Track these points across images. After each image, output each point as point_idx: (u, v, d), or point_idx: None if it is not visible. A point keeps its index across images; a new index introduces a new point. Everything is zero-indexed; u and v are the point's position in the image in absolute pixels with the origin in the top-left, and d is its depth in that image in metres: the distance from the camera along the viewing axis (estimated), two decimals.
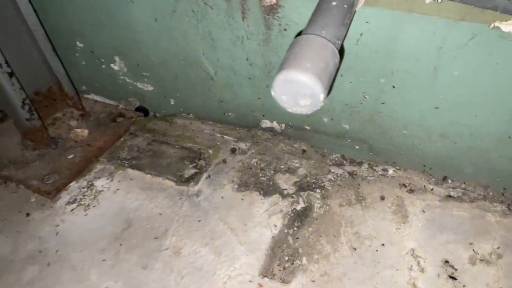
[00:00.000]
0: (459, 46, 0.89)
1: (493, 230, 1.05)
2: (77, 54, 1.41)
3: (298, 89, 0.58)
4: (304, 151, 1.29)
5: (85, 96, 1.54)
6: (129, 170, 1.25)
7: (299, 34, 0.90)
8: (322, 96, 0.59)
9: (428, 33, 0.89)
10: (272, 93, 0.61)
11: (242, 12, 1.08)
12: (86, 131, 1.36)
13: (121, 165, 1.27)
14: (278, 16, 1.04)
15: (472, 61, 0.91)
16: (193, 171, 1.24)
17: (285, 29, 1.06)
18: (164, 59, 1.28)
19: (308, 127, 1.26)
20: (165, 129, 1.39)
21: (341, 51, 1.01)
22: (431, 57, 0.94)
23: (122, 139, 1.36)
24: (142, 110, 1.46)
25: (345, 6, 0.69)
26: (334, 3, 0.69)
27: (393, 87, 1.05)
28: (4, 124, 1.42)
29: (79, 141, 1.33)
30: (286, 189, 1.17)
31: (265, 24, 1.08)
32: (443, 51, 0.91)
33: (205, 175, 1.22)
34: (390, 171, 1.22)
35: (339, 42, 0.65)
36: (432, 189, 1.15)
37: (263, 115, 1.30)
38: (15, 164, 1.26)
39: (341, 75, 1.08)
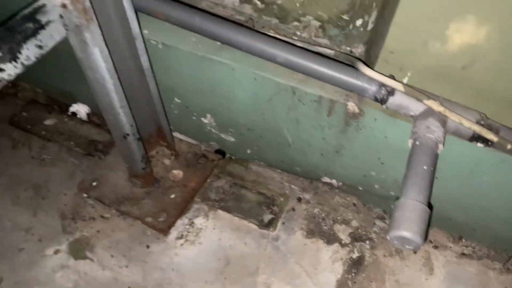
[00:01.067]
0: None
1: (492, 285, 1.46)
2: (172, 106, 1.70)
3: (408, 241, 0.94)
4: (354, 204, 1.66)
5: (172, 134, 1.85)
6: (220, 211, 1.60)
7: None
8: (421, 245, 0.95)
9: None
10: (388, 238, 0.97)
11: (329, 112, 1.40)
12: (181, 173, 1.68)
13: (212, 206, 1.61)
14: (357, 120, 1.37)
15: None
16: (270, 216, 1.60)
17: (360, 129, 1.39)
18: (251, 125, 1.59)
19: (361, 188, 1.62)
20: (242, 174, 1.73)
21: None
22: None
23: (208, 180, 1.70)
24: (221, 153, 1.79)
25: (432, 169, 1.04)
26: (425, 167, 1.03)
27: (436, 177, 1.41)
28: (107, 158, 1.72)
29: (176, 181, 1.66)
30: (343, 239, 1.55)
31: (345, 122, 1.40)
32: None
33: (280, 221, 1.58)
34: None
35: (429, 199, 1.00)
36: (450, 247, 1.55)
37: (325, 174, 1.65)
38: (128, 200, 1.59)
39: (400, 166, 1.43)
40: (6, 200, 1.59)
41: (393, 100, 1.15)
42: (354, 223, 1.60)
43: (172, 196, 1.61)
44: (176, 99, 1.66)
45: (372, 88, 1.16)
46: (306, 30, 1.49)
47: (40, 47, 0.97)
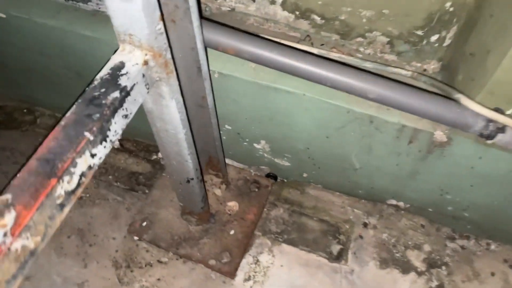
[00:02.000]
0: None
1: None
2: (221, 132, 1.55)
3: None
4: (422, 225, 1.57)
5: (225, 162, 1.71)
6: (284, 245, 1.50)
7: None
8: None
9: None
10: None
11: (410, 140, 1.29)
12: (236, 204, 1.56)
13: (275, 240, 1.51)
14: (442, 148, 1.26)
15: None
16: (338, 247, 1.50)
17: (444, 156, 1.29)
18: (312, 150, 1.47)
19: (431, 209, 1.54)
20: (300, 199, 1.61)
21: None
22: None
23: (265, 209, 1.58)
24: (272, 176, 1.66)
25: None
26: None
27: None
28: (152, 192, 1.58)
29: (232, 214, 1.54)
30: (418, 267, 1.47)
31: (428, 150, 1.29)
32: None
33: (350, 251, 1.49)
34: (493, 246, 1.54)
35: None
36: None
37: (393, 197, 1.55)
38: (186, 241, 1.46)
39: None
40: (49, 251, 1.44)
41: (502, 137, 1.05)
42: (426, 247, 1.52)
43: (232, 232, 1.49)
44: (226, 126, 1.51)
45: (478, 124, 1.05)
46: (371, 46, 1.35)
47: (126, 116, 0.82)
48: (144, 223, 1.49)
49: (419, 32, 1.24)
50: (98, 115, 0.75)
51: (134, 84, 0.82)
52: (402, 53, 1.32)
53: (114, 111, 0.77)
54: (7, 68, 1.65)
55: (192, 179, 1.26)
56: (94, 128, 0.73)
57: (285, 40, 1.36)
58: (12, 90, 1.79)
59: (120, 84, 0.79)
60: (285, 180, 1.68)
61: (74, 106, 0.76)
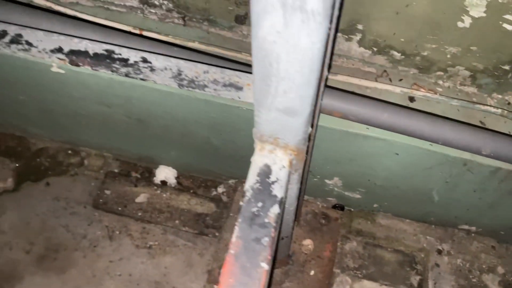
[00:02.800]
0: None
1: None
2: None
3: None
4: (493, 247, 1.59)
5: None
6: (365, 281, 1.49)
7: None
8: None
9: None
10: None
11: (501, 180, 1.27)
12: (311, 242, 1.54)
13: (355, 276, 1.50)
14: None
15: None
16: (417, 277, 1.51)
17: None
18: (390, 187, 1.44)
19: (502, 232, 1.55)
20: (371, 230, 1.60)
21: None
22: None
23: (338, 243, 1.56)
24: (339, 207, 1.64)
25: None
26: None
27: None
28: (223, 235, 1.53)
29: (309, 253, 1.52)
30: None
31: None
32: None
33: (430, 281, 1.50)
34: None
35: None
36: None
37: (466, 223, 1.56)
38: (272, 286, 1.44)
39: None
40: None
41: None
42: (500, 269, 1.54)
43: (312, 272, 1.48)
44: None
45: None
46: (451, 79, 1.32)
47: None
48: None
49: (506, 67, 1.21)
50: (267, 239, 0.70)
51: (288, 189, 0.77)
52: (483, 85, 1.29)
53: (278, 228, 0.73)
54: (53, 113, 1.54)
55: (287, 237, 1.23)
56: (269, 256, 0.69)
57: (361, 76, 1.32)
58: (55, 132, 1.69)
59: (276, 196, 0.74)
60: (352, 210, 1.66)
61: (237, 228, 0.71)
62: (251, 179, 0.76)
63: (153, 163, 1.71)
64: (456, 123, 1.08)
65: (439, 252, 1.57)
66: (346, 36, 1.24)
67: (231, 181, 1.69)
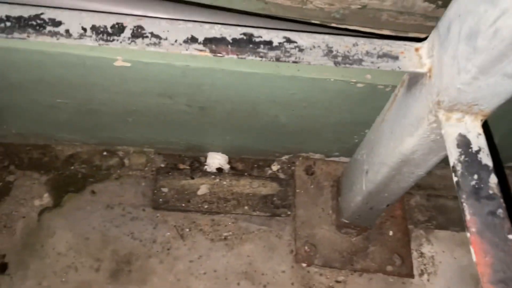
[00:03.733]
0: None
1: None
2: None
3: None
4: None
5: None
6: (437, 231, 1.55)
7: None
8: None
9: None
10: None
11: None
12: None
13: (427, 228, 1.56)
14: None
15: None
16: None
17: None
18: None
19: None
20: (429, 182, 1.65)
21: None
22: None
23: (404, 199, 1.60)
24: None
25: None
26: None
27: None
28: (297, 212, 1.50)
29: (383, 215, 1.54)
30: None
31: None
32: None
33: None
34: None
35: None
36: None
37: None
38: (356, 255, 1.45)
39: None
40: None
41: None
42: None
43: (391, 233, 1.51)
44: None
45: None
46: None
47: None
48: (307, 248, 1.44)
49: None
50: (501, 210, 0.68)
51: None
52: None
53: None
54: (95, 114, 1.37)
55: (388, 205, 1.23)
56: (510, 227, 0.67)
57: (427, 32, 1.31)
58: (89, 134, 1.51)
59: (487, 165, 0.72)
60: None
61: (466, 205, 0.69)
62: (454, 153, 0.73)
63: (200, 151, 1.60)
64: None
65: None
66: None
67: (284, 158, 1.64)
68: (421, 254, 1.51)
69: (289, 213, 1.51)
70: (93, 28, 0.79)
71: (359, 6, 1.29)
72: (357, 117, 1.38)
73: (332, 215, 1.49)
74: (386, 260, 1.46)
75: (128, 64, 1.12)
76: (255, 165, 1.63)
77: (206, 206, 1.48)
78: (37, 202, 1.44)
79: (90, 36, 0.78)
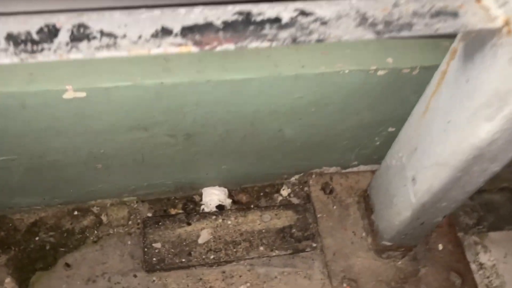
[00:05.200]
0: None
1: None
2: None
3: None
4: None
5: None
6: (491, 234, 1.30)
7: None
8: None
9: None
10: None
11: None
12: None
13: (479, 233, 1.30)
14: None
15: None
16: None
17: None
18: None
19: None
20: None
21: None
22: None
23: None
24: None
25: None
26: None
27: None
28: (324, 242, 1.22)
29: None
30: None
31: None
32: None
33: None
34: None
35: None
36: None
37: None
38: (406, 281, 1.18)
39: None
40: None
41: None
42: None
43: (440, 247, 1.24)
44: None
45: None
46: None
47: None
48: (345, 285, 1.15)
49: None
50: None
51: None
52: None
53: None
54: (53, 168, 1.08)
55: (445, 216, 0.97)
56: None
57: None
58: (52, 194, 1.21)
59: None
60: None
61: None
62: None
63: (193, 189, 1.32)
64: None
65: None
66: None
67: (294, 178, 1.37)
68: (481, 266, 1.24)
69: (314, 245, 1.23)
70: (9, 37, 0.51)
71: None
72: (378, 114, 1.13)
73: (367, 238, 1.22)
74: (443, 281, 1.19)
75: (83, 94, 0.84)
76: (262, 194, 1.35)
77: (212, 257, 1.18)
78: None
79: (6, 50, 0.50)
